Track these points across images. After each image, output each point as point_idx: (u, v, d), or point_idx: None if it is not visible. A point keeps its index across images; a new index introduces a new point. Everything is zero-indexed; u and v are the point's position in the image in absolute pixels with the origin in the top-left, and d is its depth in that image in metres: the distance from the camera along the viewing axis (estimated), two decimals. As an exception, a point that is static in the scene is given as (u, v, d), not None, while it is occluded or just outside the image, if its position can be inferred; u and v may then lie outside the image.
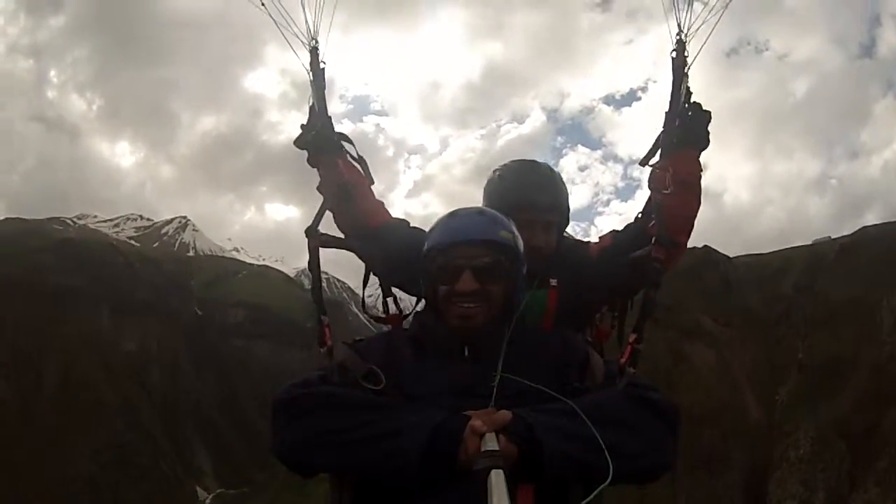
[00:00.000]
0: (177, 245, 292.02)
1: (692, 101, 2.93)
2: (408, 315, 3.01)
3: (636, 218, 3.15)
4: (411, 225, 3.26)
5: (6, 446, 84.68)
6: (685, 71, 2.93)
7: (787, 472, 28.72)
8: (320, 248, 3.00)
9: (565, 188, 3.24)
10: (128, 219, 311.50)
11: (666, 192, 2.85)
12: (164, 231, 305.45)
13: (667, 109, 2.96)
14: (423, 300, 2.53)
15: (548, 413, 1.98)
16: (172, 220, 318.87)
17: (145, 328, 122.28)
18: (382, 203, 3.31)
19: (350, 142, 3.28)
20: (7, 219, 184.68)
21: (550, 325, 2.89)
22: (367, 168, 3.31)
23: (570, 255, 3.13)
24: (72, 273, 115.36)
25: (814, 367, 34.06)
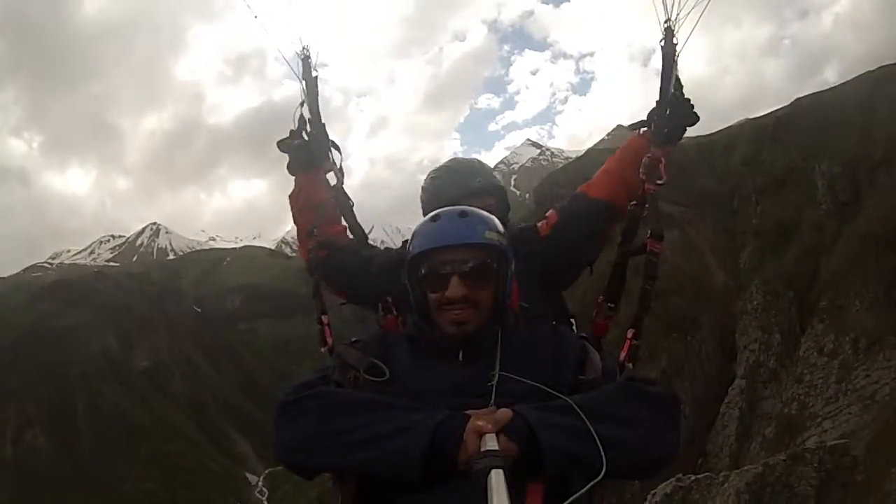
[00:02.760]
0: (155, 252, 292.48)
1: (685, 96, 3.00)
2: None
3: (587, 186, 3.16)
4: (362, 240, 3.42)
5: (60, 492, 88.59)
6: (675, 59, 2.94)
7: (747, 322, 32.53)
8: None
9: (496, 178, 3.26)
10: (101, 242, 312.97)
11: (661, 182, 2.86)
12: (138, 243, 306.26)
13: (657, 98, 2.99)
14: (412, 306, 2.42)
15: (548, 410, 1.93)
16: (143, 229, 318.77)
17: (154, 341, 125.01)
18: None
19: (339, 150, 3.38)
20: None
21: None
22: (343, 177, 3.38)
23: (519, 242, 2.90)
24: (69, 313, 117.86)
25: (765, 231, 38.03)
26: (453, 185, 3.09)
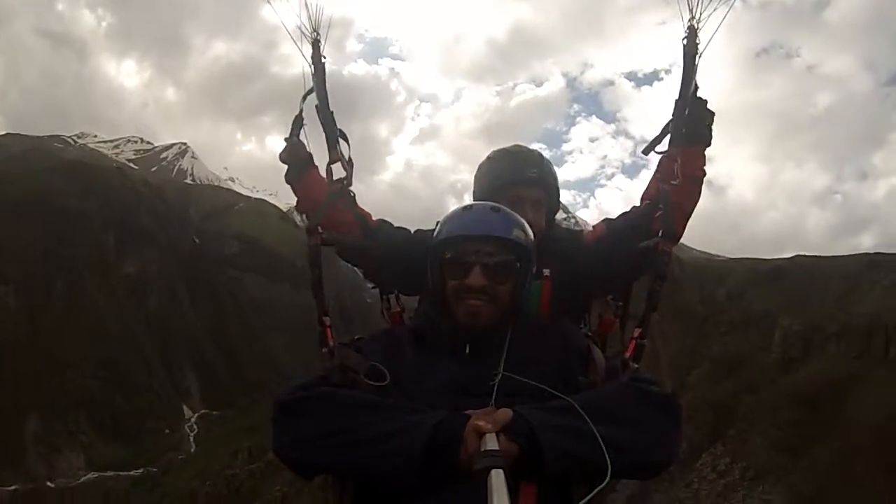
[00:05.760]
0: (175, 171, 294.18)
1: (699, 96, 2.85)
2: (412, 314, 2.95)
3: (634, 207, 3.01)
4: (395, 224, 3.17)
5: (11, 356, 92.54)
6: (696, 59, 2.84)
7: None
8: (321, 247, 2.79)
9: (555, 171, 3.13)
10: (128, 141, 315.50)
11: (674, 182, 2.78)
12: (163, 156, 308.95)
13: (676, 98, 2.87)
14: (429, 291, 2.39)
15: (548, 411, 1.92)
16: (172, 145, 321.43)
17: (146, 253, 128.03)
18: (366, 211, 3.12)
19: (347, 140, 3.11)
20: (7, 134, 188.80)
21: (546, 317, 2.69)
22: (352, 171, 3.09)
23: (562, 245, 2.96)
24: (79, 196, 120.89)
25: (719, 360, 42.23)
26: (508, 170, 2.98)
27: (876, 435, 30.39)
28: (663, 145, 2.93)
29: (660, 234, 2.62)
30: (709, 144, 2.87)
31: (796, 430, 31.85)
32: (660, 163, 2.91)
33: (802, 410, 32.56)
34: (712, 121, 2.86)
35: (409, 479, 1.86)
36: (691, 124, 2.84)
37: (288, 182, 2.99)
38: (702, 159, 2.86)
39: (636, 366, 2.42)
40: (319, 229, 2.77)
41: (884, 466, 28.82)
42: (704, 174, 2.87)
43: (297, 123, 3.01)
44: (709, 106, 2.86)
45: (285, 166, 2.99)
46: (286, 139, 3.00)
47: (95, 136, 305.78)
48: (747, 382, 38.73)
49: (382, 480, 1.94)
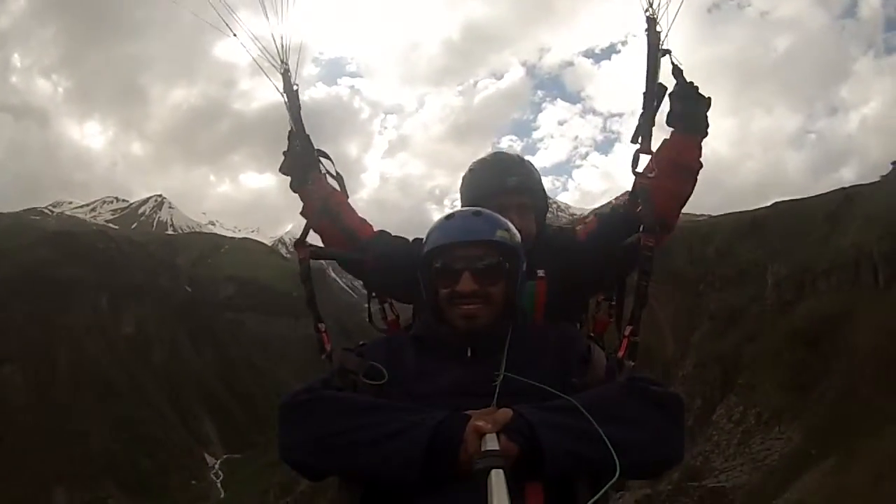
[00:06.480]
0: (154, 224, 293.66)
1: (689, 81, 2.80)
2: (408, 323, 3.00)
3: (618, 199, 3.07)
4: (393, 233, 3.20)
5: (26, 433, 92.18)
6: (660, 48, 2.81)
7: (677, 386, 37.87)
8: (311, 260, 2.97)
9: (537, 173, 3.05)
10: (104, 202, 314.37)
11: (651, 175, 2.76)
12: (140, 211, 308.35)
13: (643, 91, 2.84)
14: (424, 302, 2.40)
15: (549, 410, 1.94)
16: (148, 199, 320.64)
17: (142, 310, 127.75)
18: (365, 220, 3.25)
19: (328, 158, 3.22)
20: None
21: (542, 318, 2.70)
22: (344, 184, 3.26)
23: (554, 244, 2.94)
24: (67, 264, 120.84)
25: (718, 316, 43.39)
26: (488, 181, 2.94)
27: (877, 357, 31.53)
28: (655, 136, 2.88)
29: (641, 228, 2.66)
30: (705, 135, 2.83)
31: (802, 369, 33.18)
32: (634, 157, 2.85)
33: (804, 349, 33.93)
34: (708, 107, 2.82)
35: (409, 480, 1.89)
36: (685, 113, 2.81)
37: (294, 190, 3.18)
38: (698, 150, 2.82)
39: (632, 364, 2.47)
40: (307, 242, 2.98)
41: (889, 385, 30.00)
42: (701, 165, 2.82)
43: (292, 139, 3.18)
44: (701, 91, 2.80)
45: (288, 179, 3.16)
46: (284, 152, 3.16)
47: (71, 203, 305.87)
48: (748, 332, 40.09)
49: (384, 481, 1.97)
